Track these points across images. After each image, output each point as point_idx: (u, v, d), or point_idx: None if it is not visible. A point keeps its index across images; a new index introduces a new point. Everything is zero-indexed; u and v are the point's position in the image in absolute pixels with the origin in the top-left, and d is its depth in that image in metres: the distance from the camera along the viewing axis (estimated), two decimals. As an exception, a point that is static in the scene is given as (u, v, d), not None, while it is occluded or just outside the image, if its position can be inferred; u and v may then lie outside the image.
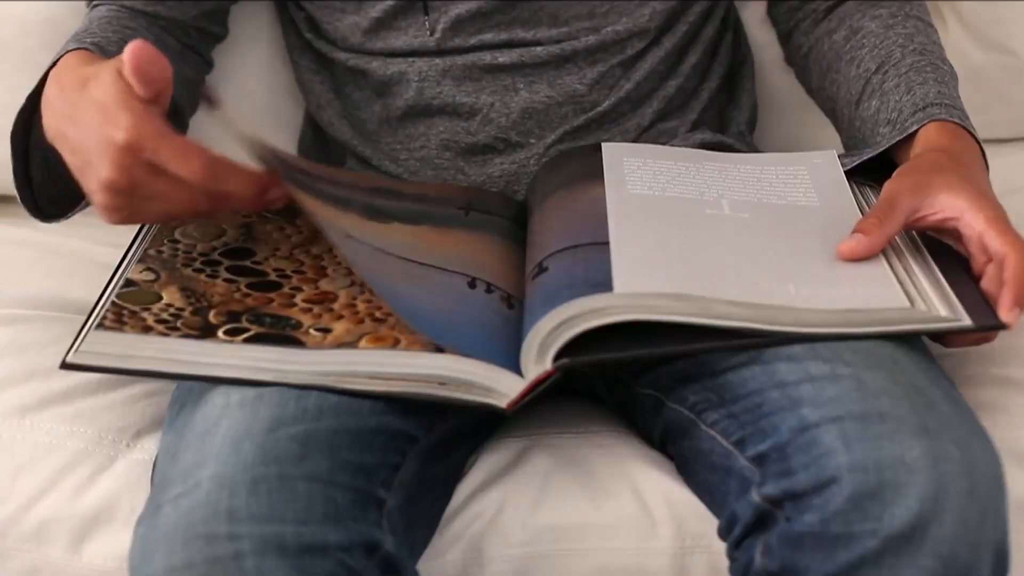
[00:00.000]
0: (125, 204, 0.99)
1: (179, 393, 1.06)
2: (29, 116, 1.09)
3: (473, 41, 1.22)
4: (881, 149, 1.14)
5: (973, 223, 1.02)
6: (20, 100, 1.35)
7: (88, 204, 1.09)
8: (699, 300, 0.96)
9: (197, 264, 1.06)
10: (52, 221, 1.14)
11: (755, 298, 0.97)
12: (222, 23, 1.32)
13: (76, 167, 1.01)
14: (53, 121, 1.03)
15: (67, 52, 1.09)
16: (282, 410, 0.96)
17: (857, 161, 1.14)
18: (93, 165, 0.98)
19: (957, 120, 1.13)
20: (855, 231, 1.02)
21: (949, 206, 1.03)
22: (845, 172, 1.15)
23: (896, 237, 1.06)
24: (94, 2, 1.25)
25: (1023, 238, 1.01)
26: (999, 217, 1.02)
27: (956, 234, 1.04)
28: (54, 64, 1.08)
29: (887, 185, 1.05)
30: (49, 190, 1.13)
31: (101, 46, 1.13)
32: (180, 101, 1.23)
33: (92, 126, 0.98)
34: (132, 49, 0.96)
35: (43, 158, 1.10)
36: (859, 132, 1.21)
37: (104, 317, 1.00)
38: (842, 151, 1.24)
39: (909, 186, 1.04)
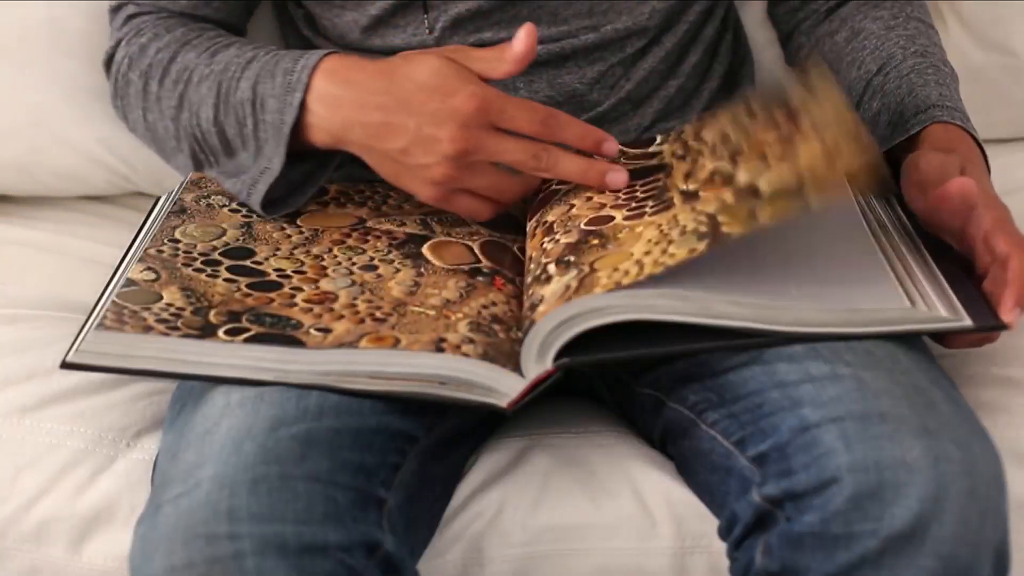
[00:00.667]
0: (460, 173, 1.05)
1: (179, 393, 1.06)
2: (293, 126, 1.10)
3: (472, 40, 1.21)
4: (882, 151, 1.13)
5: (980, 223, 1.02)
6: (23, 100, 1.36)
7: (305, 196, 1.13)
8: (699, 300, 0.96)
9: (197, 264, 1.06)
10: (275, 212, 1.14)
11: (755, 298, 0.97)
12: (246, 23, 1.32)
13: (396, 149, 1.05)
14: (339, 116, 1.07)
15: (321, 59, 1.09)
16: (282, 410, 0.96)
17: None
18: (429, 139, 1.03)
19: (959, 122, 1.13)
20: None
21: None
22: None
23: (896, 237, 1.06)
24: (127, 12, 1.23)
25: (1027, 240, 1.01)
26: (1004, 218, 1.02)
27: (959, 233, 1.04)
28: (307, 84, 1.08)
29: (932, 158, 1.04)
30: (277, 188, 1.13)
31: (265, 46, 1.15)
32: None
33: (426, 103, 1.03)
34: (529, 30, 1.06)
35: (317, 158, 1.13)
36: (859, 133, 1.21)
37: (104, 317, 1.00)
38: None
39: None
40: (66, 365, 0.98)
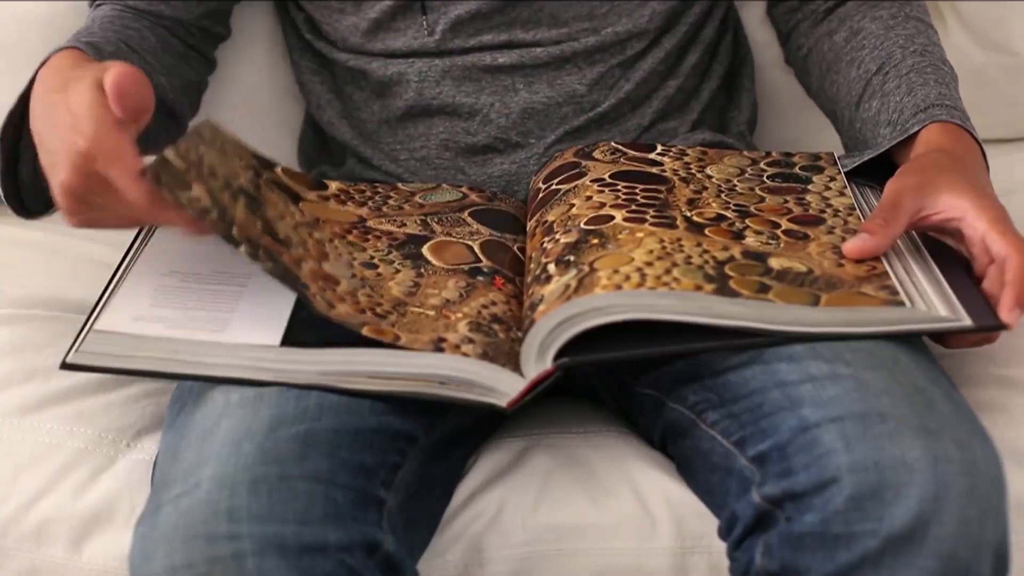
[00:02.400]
0: (81, 209, 1.00)
1: (179, 393, 1.06)
2: (20, 114, 1.09)
3: (473, 42, 1.22)
4: (882, 150, 1.14)
5: (975, 224, 1.02)
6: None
7: None
8: (699, 300, 0.96)
9: (219, 182, 1.02)
10: (35, 217, 1.13)
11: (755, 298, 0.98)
12: (225, 23, 1.32)
13: (45, 166, 1.01)
14: (34, 120, 1.04)
15: (59, 50, 1.09)
16: (282, 410, 0.96)
17: (858, 162, 1.14)
18: (56, 166, 0.99)
19: (958, 121, 1.13)
20: (861, 231, 1.02)
21: (952, 206, 1.03)
22: (845, 173, 1.15)
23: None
24: (97, 1, 1.24)
25: (1024, 239, 1.01)
26: (1001, 218, 1.02)
27: (958, 235, 1.04)
28: (45, 62, 1.08)
29: (890, 185, 1.05)
30: (39, 186, 1.12)
31: (97, 46, 1.13)
32: (179, 105, 1.23)
33: (61, 129, 0.98)
34: (115, 74, 0.97)
35: (33, 155, 1.10)
36: (859, 133, 1.21)
37: (149, 173, 0.96)
38: (842, 152, 1.24)
39: (912, 186, 1.04)
40: (66, 366, 0.98)
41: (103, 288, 1.06)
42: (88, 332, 1.01)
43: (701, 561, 1.06)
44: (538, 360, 0.96)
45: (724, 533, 1.00)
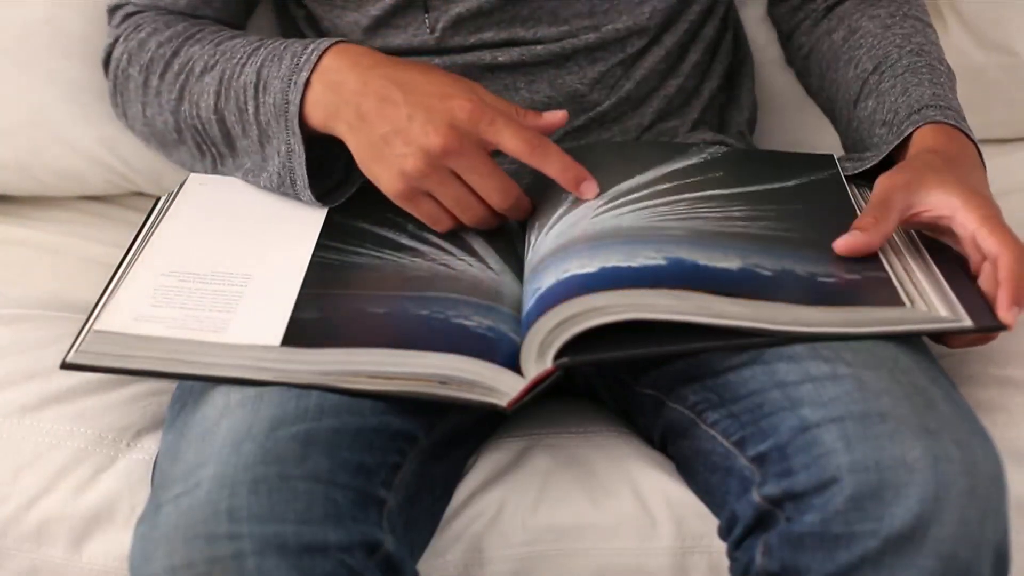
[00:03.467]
0: (432, 174, 1.05)
1: (179, 393, 1.06)
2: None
3: (473, 40, 1.22)
4: (882, 156, 1.13)
5: (966, 222, 1.02)
6: (24, 100, 1.36)
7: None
8: (699, 299, 0.96)
9: None
10: (331, 203, 1.15)
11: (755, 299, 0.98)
12: (244, 22, 1.32)
13: (378, 134, 1.05)
14: (339, 95, 1.07)
15: (335, 42, 1.11)
16: (282, 410, 0.96)
17: (860, 168, 1.14)
18: (414, 131, 1.04)
19: (952, 122, 1.13)
20: (852, 228, 1.02)
21: (942, 204, 1.03)
22: (845, 176, 1.15)
23: (895, 237, 1.06)
24: (125, 10, 1.24)
25: (1017, 237, 1.01)
26: (992, 216, 1.02)
27: (950, 233, 1.04)
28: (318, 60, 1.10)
29: (879, 183, 1.05)
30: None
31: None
32: None
33: (424, 98, 1.05)
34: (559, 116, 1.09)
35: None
36: (856, 133, 1.21)
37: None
38: (841, 152, 1.24)
39: (901, 183, 1.04)
40: (66, 366, 0.98)
41: (103, 288, 1.06)
42: (88, 332, 1.01)
43: (701, 561, 1.06)
44: (538, 360, 0.96)
45: (724, 533, 1.00)
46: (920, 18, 1.24)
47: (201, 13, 1.24)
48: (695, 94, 1.29)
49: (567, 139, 1.22)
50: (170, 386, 1.11)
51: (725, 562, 1.00)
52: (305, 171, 1.11)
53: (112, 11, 1.25)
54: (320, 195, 1.14)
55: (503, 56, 1.22)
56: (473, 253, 1.10)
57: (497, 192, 1.07)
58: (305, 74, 1.09)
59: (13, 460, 1.09)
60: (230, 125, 1.14)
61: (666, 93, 1.26)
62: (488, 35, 1.21)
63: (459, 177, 1.06)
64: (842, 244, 1.02)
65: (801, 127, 1.42)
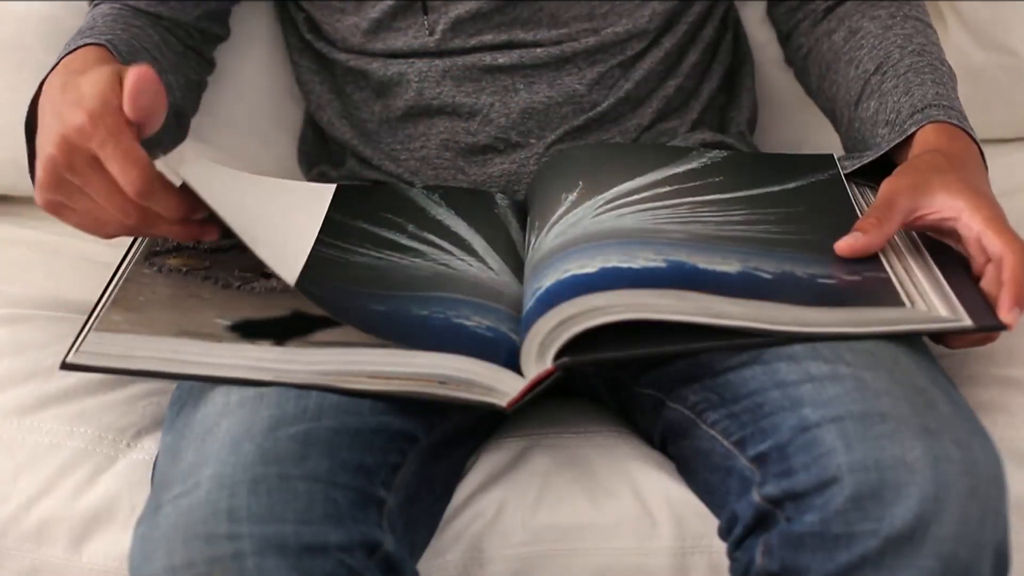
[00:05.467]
0: (59, 186, 0.98)
1: (179, 393, 1.06)
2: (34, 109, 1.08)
3: (473, 42, 1.22)
4: (881, 152, 1.13)
5: (971, 223, 1.02)
6: (19, 99, 1.35)
7: None
8: (699, 300, 0.96)
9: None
10: None
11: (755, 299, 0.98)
12: (224, 24, 1.32)
13: (39, 142, 1.01)
14: (43, 98, 1.04)
15: (82, 46, 1.09)
16: (282, 410, 0.96)
17: (857, 165, 1.14)
18: (43, 136, 0.99)
19: (955, 121, 1.13)
20: (854, 229, 1.03)
21: (947, 206, 1.03)
22: (845, 175, 1.15)
23: (896, 237, 1.06)
24: (96, 0, 1.24)
25: (1021, 238, 1.01)
26: (997, 217, 1.02)
27: (954, 235, 1.04)
28: (70, 52, 1.08)
29: (884, 185, 1.05)
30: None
31: (114, 44, 1.12)
32: (183, 104, 1.23)
33: (65, 104, 0.98)
34: (138, 71, 0.96)
35: None
36: (858, 133, 1.21)
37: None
38: (842, 152, 1.24)
39: (906, 186, 1.04)
40: (66, 366, 0.98)
41: (103, 288, 1.06)
42: (88, 332, 1.01)
43: (701, 561, 1.06)
44: (538, 360, 0.96)
45: (724, 533, 1.00)
46: (920, 19, 1.24)
47: (154, 10, 1.23)
48: (694, 94, 1.29)
49: (567, 139, 1.23)
50: (170, 386, 1.11)
51: (725, 562, 1.00)
52: (30, 170, 1.08)
53: (90, 3, 1.26)
54: None
55: (503, 58, 1.22)
56: (473, 253, 1.10)
57: (118, 214, 0.98)
58: (48, 72, 1.07)
59: (13, 460, 1.09)
60: None
61: (665, 94, 1.26)
62: (488, 37, 1.21)
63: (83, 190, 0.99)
64: (843, 245, 1.02)
65: (801, 127, 1.42)
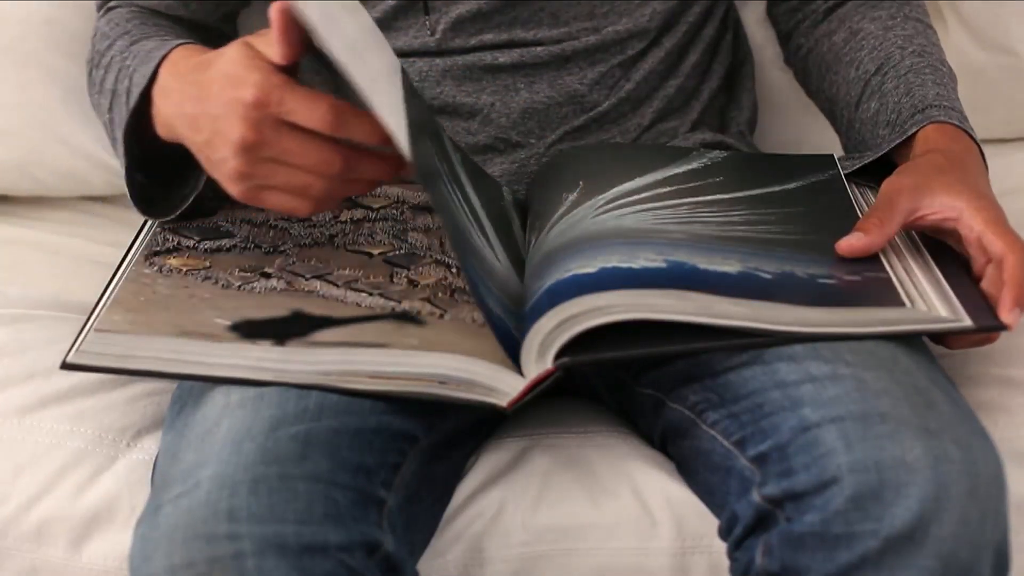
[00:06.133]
0: (255, 169, 0.98)
1: (179, 393, 1.06)
2: (135, 121, 1.09)
3: (473, 41, 1.22)
4: (881, 152, 1.14)
5: (972, 224, 1.02)
6: (21, 100, 1.36)
7: (189, 201, 1.10)
8: (699, 300, 0.96)
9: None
10: (161, 218, 1.13)
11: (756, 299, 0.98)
12: (234, 24, 1.32)
13: (201, 142, 1.01)
14: (168, 108, 1.04)
15: (172, 48, 1.08)
16: (282, 410, 0.96)
17: (858, 165, 1.14)
18: (222, 132, 0.98)
19: (956, 122, 1.13)
20: (855, 229, 1.03)
21: (948, 206, 1.03)
22: (845, 175, 1.15)
23: (896, 238, 1.06)
24: (109, 4, 1.24)
25: (1022, 239, 1.01)
26: (998, 218, 1.02)
27: (955, 235, 1.04)
28: (159, 64, 1.08)
29: (885, 185, 1.05)
30: (151, 192, 1.12)
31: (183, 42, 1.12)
32: None
33: (219, 94, 0.98)
34: (278, 7, 0.96)
35: (141, 158, 1.11)
36: (858, 133, 1.21)
37: None
38: (842, 152, 1.24)
39: (908, 186, 1.04)
40: (66, 366, 0.98)
41: (103, 288, 1.06)
42: (88, 332, 1.01)
43: (701, 561, 1.06)
44: (538, 360, 0.96)
45: (724, 533, 1.00)
46: (921, 19, 1.24)
47: (175, 13, 1.23)
48: (695, 94, 1.29)
49: (567, 139, 1.23)
50: (170, 386, 1.11)
51: (725, 562, 1.00)
52: (127, 183, 1.10)
53: (99, 7, 1.26)
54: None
55: (503, 57, 1.22)
56: (485, 235, 1.10)
57: (321, 166, 0.98)
58: (138, 89, 1.07)
59: (13, 460, 1.09)
60: (110, 131, 1.14)
61: (666, 94, 1.26)
62: (488, 36, 1.21)
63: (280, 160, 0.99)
64: (844, 245, 1.02)
65: (801, 127, 1.42)
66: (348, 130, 0.97)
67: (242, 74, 0.97)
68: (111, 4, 1.24)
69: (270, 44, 0.97)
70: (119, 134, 1.10)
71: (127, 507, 1.07)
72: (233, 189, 1.00)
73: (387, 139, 0.95)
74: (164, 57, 1.07)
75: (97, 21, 1.24)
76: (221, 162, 0.99)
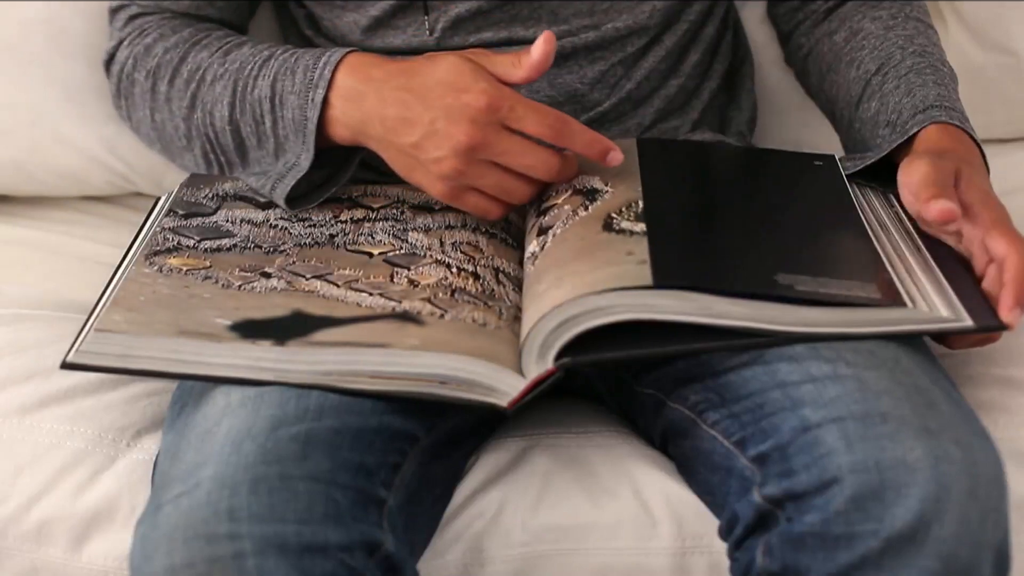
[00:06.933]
0: (469, 168, 1.06)
1: (180, 393, 1.06)
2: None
3: (472, 40, 1.21)
4: (883, 153, 1.13)
5: (976, 224, 1.02)
6: (22, 99, 1.35)
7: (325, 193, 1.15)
8: (699, 300, 0.96)
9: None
10: (297, 207, 1.14)
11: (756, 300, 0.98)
12: (248, 23, 1.32)
13: (408, 143, 1.06)
14: (360, 112, 1.09)
15: (345, 55, 1.11)
16: (283, 410, 0.96)
17: (860, 166, 1.14)
18: (441, 132, 1.05)
19: (957, 123, 1.13)
20: (932, 197, 1.02)
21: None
22: (846, 175, 1.15)
23: (896, 238, 1.06)
24: (129, 12, 1.24)
25: (1024, 239, 1.02)
26: (1002, 218, 1.02)
27: (957, 234, 1.04)
28: (325, 69, 1.11)
29: (918, 168, 1.04)
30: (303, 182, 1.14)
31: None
32: None
33: (441, 98, 1.05)
34: (547, 37, 1.07)
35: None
36: (859, 133, 1.21)
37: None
38: (842, 152, 1.24)
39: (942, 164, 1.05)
40: (66, 365, 0.98)
41: (103, 288, 1.06)
42: (88, 332, 1.01)
43: (701, 561, 1.06)
44: (539, 360, 0.96)
45: (724, 533, 1.00)
46: (921, 19, 1.24)
47: (204, 13, 1.24)
48: (695, 94, 1.29)
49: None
50: (170, 386, 1.11)
51: (725, 562, 1.00)
52: (294, 182, 1.11)
53: (114, 11, 1.25)
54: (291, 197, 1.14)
55: (503, 55, 1.22)
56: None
57: (539, 166, 1.07)
58: (321, 91, 1.10)
59: (13, 460, 1.09)
60: (245, 136, 1.15)
61: (666, 93, 1.26)
62: (487, 35, 1.21)
63: (497, 163, 1.06)
64: (937, 209, 1.01)
65: (801, 127, 1.42)
66: (568, 141, 1.06)
67: (469, 83, 1.05)
68: (132, 12, 1.24)
69: (492, 62, 1.07)
70: (291, 134, 1.12)
71: (127, 507, 1.07)
72: (438, 186, 1.07)
73: (601, 154, 1.07)
74: (339, 63, 1.10)
75: (119, 30, 1.23)
76: (433, 162, 1.05)
